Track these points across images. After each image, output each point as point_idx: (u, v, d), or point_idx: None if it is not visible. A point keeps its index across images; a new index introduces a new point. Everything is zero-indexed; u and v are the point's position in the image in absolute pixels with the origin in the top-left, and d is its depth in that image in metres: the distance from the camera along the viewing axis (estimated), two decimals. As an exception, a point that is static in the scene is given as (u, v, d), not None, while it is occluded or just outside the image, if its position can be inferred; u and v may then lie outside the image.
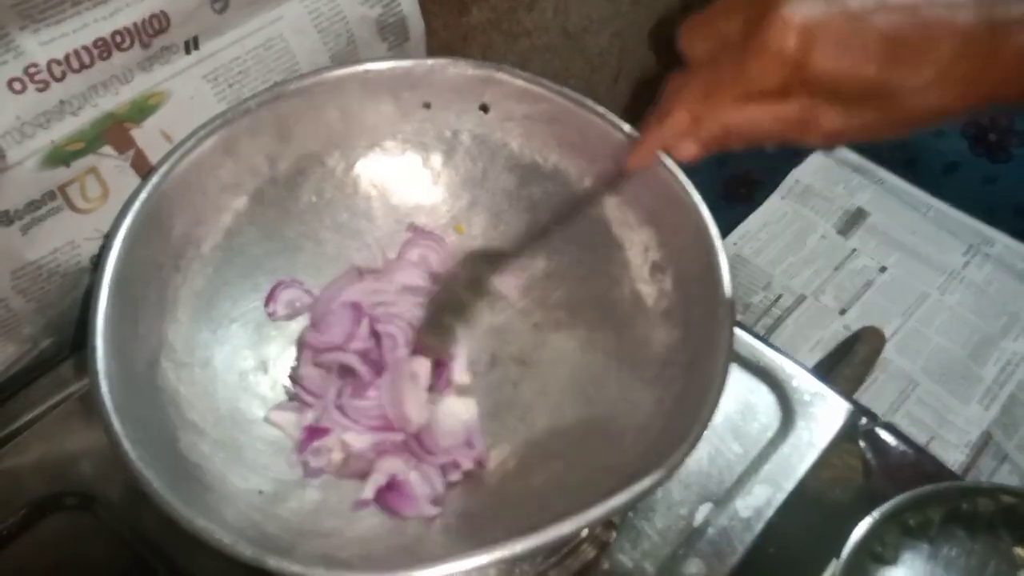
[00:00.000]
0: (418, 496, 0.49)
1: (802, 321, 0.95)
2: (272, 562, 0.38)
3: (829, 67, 0.35)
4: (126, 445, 0.41)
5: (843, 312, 0.96)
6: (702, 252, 0.48)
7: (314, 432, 0.51)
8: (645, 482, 0.40)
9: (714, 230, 0.49)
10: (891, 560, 0.55)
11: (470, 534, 0.47)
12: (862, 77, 0.35)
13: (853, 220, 1.04)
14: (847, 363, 0.63)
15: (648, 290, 0.53)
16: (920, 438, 0.86)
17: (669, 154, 0.42)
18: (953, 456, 0.86)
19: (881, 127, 0.37)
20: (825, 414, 0.58)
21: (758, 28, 0.35)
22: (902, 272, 1.00)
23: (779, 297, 0.97)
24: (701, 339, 0.48)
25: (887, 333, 0.92)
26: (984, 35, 0.33)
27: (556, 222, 0.52)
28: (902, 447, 0.61)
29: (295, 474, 0.50)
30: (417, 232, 0.60)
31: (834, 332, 0.94)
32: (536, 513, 0.46)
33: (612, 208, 0.55)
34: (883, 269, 1.00)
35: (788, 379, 0.59)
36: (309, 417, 0.52)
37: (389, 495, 0.49)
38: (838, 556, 0.53)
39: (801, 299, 0.97)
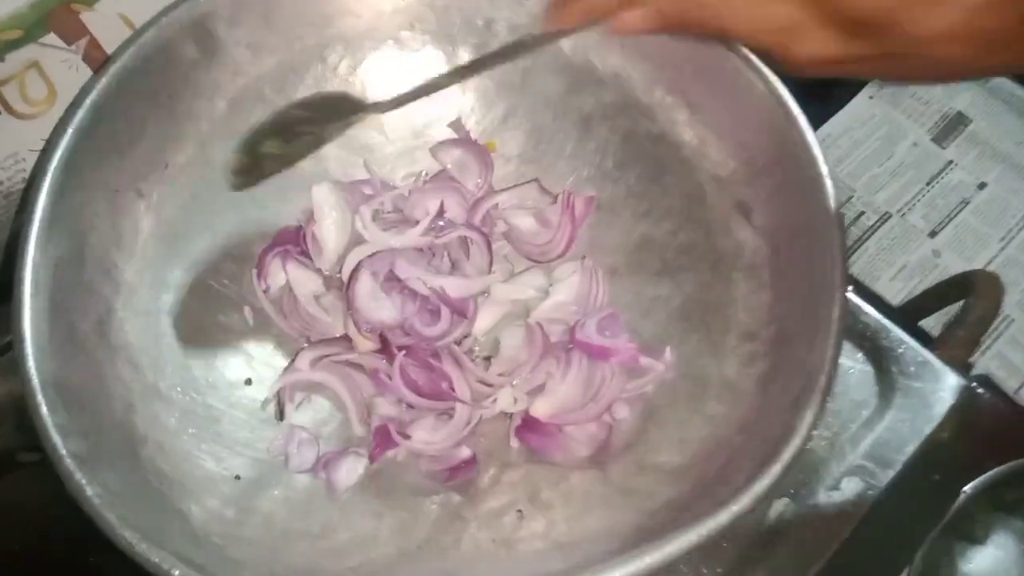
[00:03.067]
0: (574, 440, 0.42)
1: (885, 243, 0.88)
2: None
3: None
4: (56, 438, 0.33)
5: (933, 234, 0.88)
6: (803, 189, 0.41)
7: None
8: (718, 519, 0.31)
9: (821, 159, 0.42)
10: (981, 539, 0.51)
11: (492, 540, 0.39)
12: (874, 3, 0.33)
13: (951, 127, 0.94)
14: (959, 323, 0.52)
15: (727, 236, 0.45)
16: (1010, 383, 0.79)
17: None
18: (1047, 407, 0.78)
19: (879, 67, 0.36)
20: (934, 391, 0.49)
21: None
22: (1003, 190, 0.91)
23: (860, 215, 0.89)
24: (798, 308, 0.40)
25: (981, 261, 0.85)
26: None
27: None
28: (999, 404, 0.54)
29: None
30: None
31: (921, 257, 0.86)
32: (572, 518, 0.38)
33: (682, 125, 0.46)
34: (982, 186, 0.91)
35: (893, 347, 0.49)
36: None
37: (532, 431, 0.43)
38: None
39: (886, 217, 0.89)
